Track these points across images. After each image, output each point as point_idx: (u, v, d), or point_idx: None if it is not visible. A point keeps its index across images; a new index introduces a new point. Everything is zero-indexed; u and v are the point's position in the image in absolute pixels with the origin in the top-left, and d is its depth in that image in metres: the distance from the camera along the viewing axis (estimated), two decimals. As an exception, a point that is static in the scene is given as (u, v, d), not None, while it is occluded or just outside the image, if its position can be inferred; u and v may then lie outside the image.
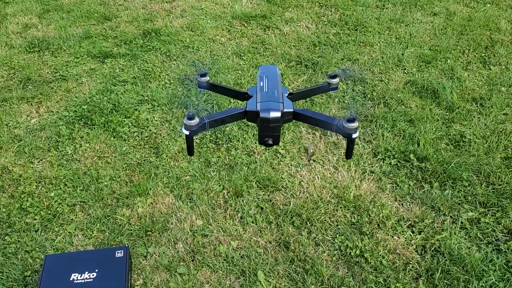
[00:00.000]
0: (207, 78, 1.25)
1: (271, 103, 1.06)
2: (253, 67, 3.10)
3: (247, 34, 3.47)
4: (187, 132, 1.07)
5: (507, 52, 3.29)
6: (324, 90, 1.27)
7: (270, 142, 1.07)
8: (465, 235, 2.06)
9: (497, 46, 3.35)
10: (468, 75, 3.05)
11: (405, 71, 3.09)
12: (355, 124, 1.02)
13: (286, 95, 1.14)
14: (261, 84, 1.13)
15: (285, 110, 1.06)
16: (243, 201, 2.20)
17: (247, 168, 2.36)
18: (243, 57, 3.21)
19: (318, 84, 1.31)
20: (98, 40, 3.45)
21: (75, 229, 2.07)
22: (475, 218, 2.13)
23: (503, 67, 3.14)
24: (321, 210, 2.15)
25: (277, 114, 1.04)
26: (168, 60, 3.22)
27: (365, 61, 3.18)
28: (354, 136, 1.04)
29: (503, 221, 2.10)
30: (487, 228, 2.08)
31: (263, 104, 1.06)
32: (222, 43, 3.39)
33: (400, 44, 3.36)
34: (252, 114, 1.08)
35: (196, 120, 1.06)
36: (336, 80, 1.22)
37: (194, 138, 1.12)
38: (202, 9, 3.84)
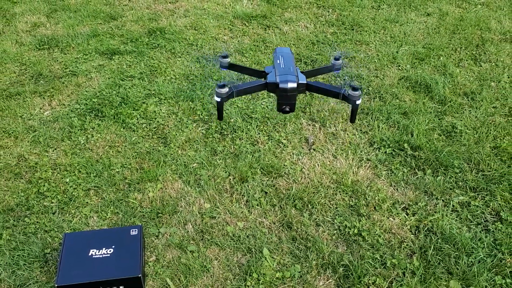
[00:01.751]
0: (228, 59, 1.41)
1: (288, 76, 1.23)
2: (255, 63, 3.24)
3: (249, 33, 3.62)
4: (218, 99, 1.25)
5: (496, 50, 3.45)
6: (329, 70, 1.44)
7: (287, 109, 1.25)
8: (456, 217, 2.20)
9: (487, 45, 3.51)
10: (459, 71, 3.21)
11: (400, 67, 3.25)
12: (358, 92, 1.20)
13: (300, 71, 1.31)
14: (278, 62, 1.30)
15: (300, 81, 1.23)
16: (248, 186, 2.33)
17: (251, 156, 2.50)
18: (245, 54, 3.35)
19: (324, 65, 1.48)
20: (105, 38, 3.59)
21: (90, 211, 2.20)
22: (466, 201, 2.27)
23: (493, 64, 3.30)
24: (321, 194, 2.29)
25: (294, 85, 1.22)
26: (173, 57, 3.36)
27: (361, 58, 3.33)
28: (357, 102, 1.21)
29: (491, 204, 2.25)
30: (477, 211, 2.22)
31: (281, 77, 1.23)
32: (224, 41, 3.54)
33: (394, 43, 3.52)
34: (272, 85, 1.25)
35: (226, 89, 1.23)
36: (339, 62, 1.38)
37: (224, 104, 1.31)
38: (205, 9, 3.98)
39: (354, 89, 1.19)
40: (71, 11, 3.99)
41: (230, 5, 4.02)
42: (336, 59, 1.38)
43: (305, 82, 1.26)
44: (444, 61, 3.30)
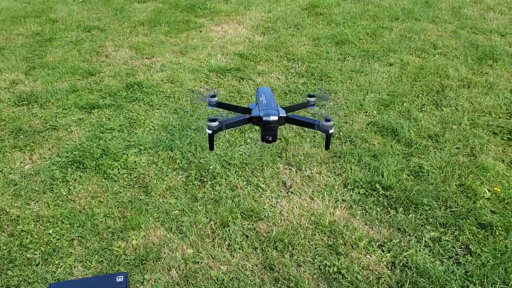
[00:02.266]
0: (215, 99, 1.59)
1: (270, 110, 1.41)
2: (231, 113, 3.39)
3: (224, 85, 3.79)
4: (210, 132, 1.41)
5: (456, 95, 3.70)
6: (305, 106, 1.64)
7: (270, 139, 1.42)
8: (429, 252, 2.31)
9: (447, 90, 3.77)
10: (423, 116, 3.42)
11: (367, 113, 3.45)
12: (331, 123, 1.38)
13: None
14: (260, 99, 1.48)
15: (280, 115, 1.40)
16: (229, 230, 2.41)
17: (231, 201, 2.58)
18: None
19: (300, 102, 1.67)
20: (84, 93, 3.69)
21: (74, 261, 2.22)
22: (437, 237, 2.40)
23: (453, 108, 3.54)
24: (300, 235, 2.38)
25: (275, 118, 1.39)
26: (151, 109, 3.48)
27: (331, 106, 3.52)
28: (330, 131, 1.40)
29: (461, 238, 2.38)
30: (448, 245, 2.34)
31: (264, 111, 1.40)
32: (200, 93, 3.69)
33: (361, 91, 3.74)
34: (257, 119, 1.42)
35: (216, 123, 1.39)
36: (313, 99, 1.58)
37: (214, 136, 1.46)
38: (180, 63, 4.16)
39: (327, 120, 1.39)
40: (49, 68, 4.10)
41: (205, 59, 4.21)
42: (310, 96, 1.60)
43: (285, 115, 1.44)
44: (408, 106, 3.52)
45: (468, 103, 3.60)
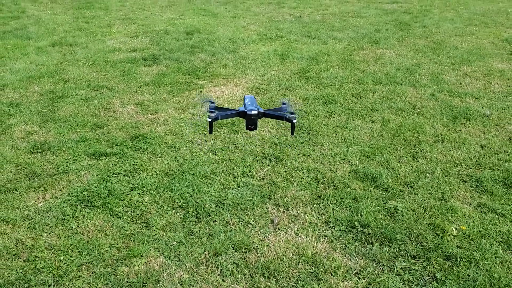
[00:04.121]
0: (214, 114, 2.14)
1: (252, 107, 1.99)
2: (226, 161, 3.75)
3: (220, 137, 4.18)
4: (209, 120, 1.99)
5: (431, 149, 4.08)
6: (279, 110, 2.22)
7: (252, 127, 2.04)
8: (400, 279, 2.59)
9: (423, 144, 4.15)
10: (400, 166, 3.78)
11: (350, 163, 3.80)
12: (294, 115, 2.00)
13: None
14: (246, 101, 2.07)
15: (259, 110, 1.96)
16: (221, 259, 2.69)
17: (224, 235, 2.88)
18: (217, 154, 3.87)
19: (275, 108, 2.39)
20: (93, 143, 4.06)
21: (82, 283, 2.49)
22: (407, 266, 2.68)
23: (428, 160, 3.91)
24: (285, 264, 2.66)
25: (255, 112, 1.98)
26: (154, 157, 3.84)
27: (317, 156, 3.89)
28: (294, 121, 2.04)
29: (428, 268, 2.66)
30: (417, 273, 2.62)
31: (248, 108, 1.99)
32: (199, 143, 4.07)
33: (345, 144, 4.12)
34: (243, 113, 2.01)
35: (214, 113, 1.98)
36: (286, 105, 2.16)
37: (213, 124, 2.10)
38: (181, 118, 4.57)
39: (292, 113, 2.01)
40: (61, 121, 4.50)
41: (203, 115, 4.63)
42: (283, 103, 2.22)
43: (262, 111, 2.03)
44: (387, 157, 3.89)
45: (442, 155, 3.97)
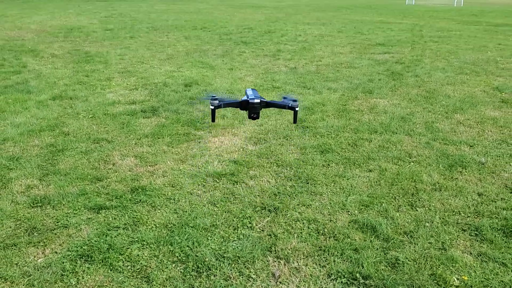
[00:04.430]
0: (216, 101, 2.20)
1: (254, 97, 2.07)
2: (225, 212, 3.76)
3: (219, 188, 4.21)
4: (212, 107, 2.13)
5: (429, 197, 4.11)
6: (281, 102, 2.30)
7: (254, 116, 2.17)
8: (404, 333, 2.56)
9: (420, 193, 4.19)
10: (399, 215, 3.80)
11: (349, 213, 3.82)
12: (296, 103, 2.10)
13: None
14: (249, 93, 2.15)
15: (261, 100, 2.05)
16: (223, 314, 2.66)
17: (225, 289, 2.86)
18: (216, 205, 3.89)
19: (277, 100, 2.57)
20: (92, 196, 4.08)
21: None
22: (411, 319, 2.65)
23: (427, 208, 3.93)
24: (287, 318, 2.63)
25: (258, 101, 2.08)
26: (153, 209, 3.85)
27: (316, 206, 3.91)
28: (297, 109, 2.20)
29: (432, 320, 2.64)
30: (421, 326, 2.60)
31: (250, 98, 2.08)
32: (198, 195, 4.09)
33: (344, 193, 4.15)
34: (245, 102, 2.11)
35: (216, 101, 2.10)
36: (287, 99, 2.26)
37: (216, 112, 2.11)
38: (180, 170, 4.61)
39: (294, 101, 2.12)
40: (61, 175, 4.53)
41: (203, 166, 4.68)
42: (284, 98, 2.35)
43: (265, 100, 2.12)
44: (385, 206, 3.91)
45: (440, 204, 4.00)
